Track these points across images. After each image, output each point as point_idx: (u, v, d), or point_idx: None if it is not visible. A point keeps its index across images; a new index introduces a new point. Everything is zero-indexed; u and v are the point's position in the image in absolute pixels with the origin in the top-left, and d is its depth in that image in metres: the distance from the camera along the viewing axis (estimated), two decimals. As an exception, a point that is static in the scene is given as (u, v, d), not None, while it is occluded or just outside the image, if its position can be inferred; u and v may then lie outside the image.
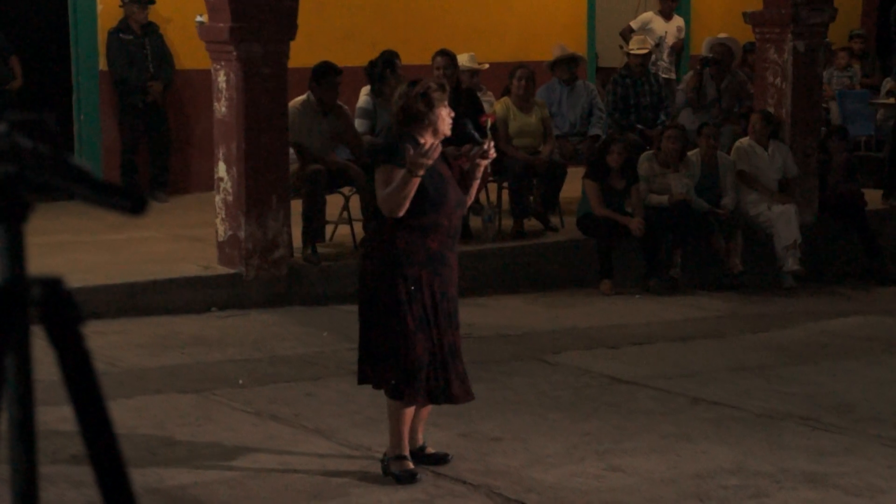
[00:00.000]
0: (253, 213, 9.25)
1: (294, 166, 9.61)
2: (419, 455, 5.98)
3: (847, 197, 11.45)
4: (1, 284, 1.62)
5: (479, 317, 9.08)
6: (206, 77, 9.78)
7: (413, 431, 5.99)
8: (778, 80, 11.39)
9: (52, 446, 5.68)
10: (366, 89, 10.72)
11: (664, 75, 13.25)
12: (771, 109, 11.32)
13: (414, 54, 11.78)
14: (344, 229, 10.15)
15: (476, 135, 5.94)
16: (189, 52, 11.81)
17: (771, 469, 6.03)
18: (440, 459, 5.99)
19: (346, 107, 10.14)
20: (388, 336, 5.72)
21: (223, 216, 9.41)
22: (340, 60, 10.26)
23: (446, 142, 6.10)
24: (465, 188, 5.94)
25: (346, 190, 10.02)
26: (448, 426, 6.62)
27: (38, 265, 1.65)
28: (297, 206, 9.59)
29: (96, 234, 10.25)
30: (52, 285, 1.64)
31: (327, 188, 9.75)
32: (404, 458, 5.84)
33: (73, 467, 5.56)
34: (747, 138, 11.24)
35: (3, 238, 1.62)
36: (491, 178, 10.83)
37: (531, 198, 11.01)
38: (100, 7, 12.02)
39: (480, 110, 10.93)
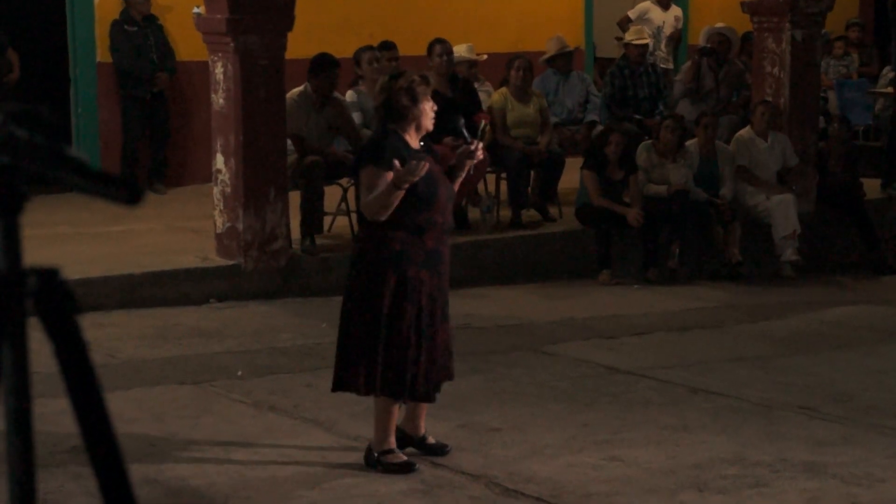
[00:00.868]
0: (251, 204, 9.25)
1: (292, 158, 9.61)
2: (420, 445, 5.98)
3: (845, 187, 11.45)
4: (-3, 275, 1.62)
5: (477, 308, 9.08)
6: (204, 69, 9.77)
7: (415, 420, 5.98)
8: (776, 70, 11.39)
9: (51, 438, 5.68)
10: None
11: (662, 65, 13.23)
12: (769, 99, 11.31)
13: (412, 45, 11.76)
14: (342, 221, 10.14)
15: (466, 133, 5.88)
16: (187, 44, 11.79)
17: (769, 459, 6.03)
18: (440, 450, 5.99)
19: (343, 98, 10.13)
20: (379, 336, 5.63)
21: (221, 208, 9.41)
22: (338, 52, 10.25)
23: (437, 132, 6.05)
24: (452, 181, 5.89)
25: (344, 181, 10.01)
26: (447, 417, 6.62)
27: (36, 257, 1.65)
28: (295, 197, 9.58)
29: (95, 226, 10.24)
30: (49, 276, 1.64)
31: (325, 179, 9.74)
32: (393, 451, 5.82)
33: (71, 459, 5.56)
34: (747, 129, 11.24)
35: (-1, 229, 1.62)
36: (489, 169, 10.84)
37: (529, 188, 11.02)
38: (97, -1, 12.01)
39: (477, 101, 10.93)
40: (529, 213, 10.77)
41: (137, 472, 5.53)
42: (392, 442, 5.84)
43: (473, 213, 10.72)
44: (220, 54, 9.32)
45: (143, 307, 8.79)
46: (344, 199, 10.12)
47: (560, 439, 6.14)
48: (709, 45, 12.46)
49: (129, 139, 11.94)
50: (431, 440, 6.02)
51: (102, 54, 11.99)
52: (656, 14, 13.68)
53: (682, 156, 10.71)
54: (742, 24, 12.87)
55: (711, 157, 10.92)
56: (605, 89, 12.17)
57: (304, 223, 9.64)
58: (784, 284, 10.60)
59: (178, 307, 8.87)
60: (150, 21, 11.91)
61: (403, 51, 11.10)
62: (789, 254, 10.81)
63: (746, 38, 12.99)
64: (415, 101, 5.68)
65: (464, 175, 5.95)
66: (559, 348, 8.13)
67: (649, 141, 10.87)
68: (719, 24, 13.12)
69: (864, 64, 14.81)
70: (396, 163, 5.54)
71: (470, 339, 8.09)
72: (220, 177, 9.38)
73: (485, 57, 11.93)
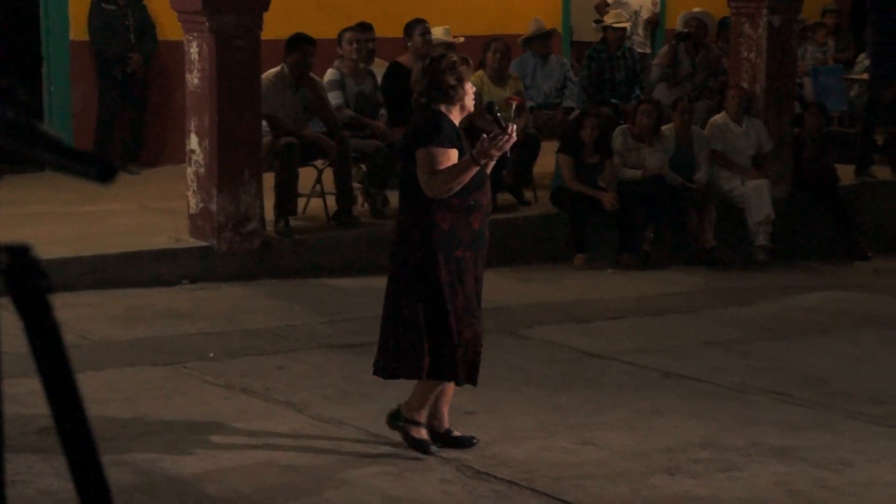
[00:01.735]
0: (225, 185, 9.21)
1: (267, 139, 9.56)
2: (446, 439, 5.87)
3: (820, 172, 11.49)
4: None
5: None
6: (182, 49, 9.71)
7: (439, 414, 5.90)
8: (752, 55, 11.40)
9: (21, 419, 5.64)
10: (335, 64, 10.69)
11: (639, 49, 13.24)
12: (745, 84, 11.33)
13: (389, 27, 11.72)
14: (317, 202, 10.11)
15: (500, 117, 5.85)
16: (171, 23, 11.70)
17: (741, 443, 6.06)
18: (467, 442, 5.91)
19: (319, 79, 10.09)
20: (430, 320, 5.60)
21: (195, 189, 9.36)
22: (314, 32, 10.19)
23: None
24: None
25: (319, 163, 9.98)
26: (420, 400, 6.62)
27: (8, 236, 1.63)
28: (269, 178, 9.54)
29: (67, 205, 10.18)
30: (20, 253, 1.61)
31: (300, 161, 9.71)
32: (420, 425, 5.80)
33: (41, 440, 5.53)
34: (722, 114, 11.25)
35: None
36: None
37: (504, 172, 11.01)
38: (70, -23, 11.91)
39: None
40: (505, 197, 10.76)
41: (108, 453, 5.49)
42: (423, 416, 5.81)
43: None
44: (195, 34, 9.27)
45: (116, 288, 8.75)
46: (319, 180, 10.09)
47: (533, 423, 6.15)
48: (686, 30, 12.47)
49: (102, 119, 11.86)
50: (457, 433, 5.93)
51: (76, 33, 11.90)
52: (634, -2, 13.67)
53: (657, 140, 10.72)
54: (719, 9, 12.88)
55: (687, 141, 10.93)
56: (583, 72, 12.15)
57: (278, 205, 9.60)
58: (758, 269, 10.63)
59: (150, 288, 8.83)
60: (133, 1, 11.82)
61: (380, 32, 11.05)
62: (763, 239, 10.84)
63: (723, 23, 13.00)
64: (460, 81, 5.69)
65: (494, 160, 5.85)
66: (533, 332, 8.14)
67: (625, 125, 10.88)
68: (696, 9, 13.13)
69: (839, 50, 14.85)
70: (484, 136, 5.57)
71: (444, 321, 8.08)
72: (194, 157, 9.33)
73: (461, 39, 11.89)
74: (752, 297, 9.55)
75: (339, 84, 10.37)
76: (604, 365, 7.41)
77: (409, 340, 5.69)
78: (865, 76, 13.20)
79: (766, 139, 11.20)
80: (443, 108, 5.72)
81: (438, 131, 5.64)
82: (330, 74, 10.45)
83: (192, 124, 9.33)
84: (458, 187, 5.59)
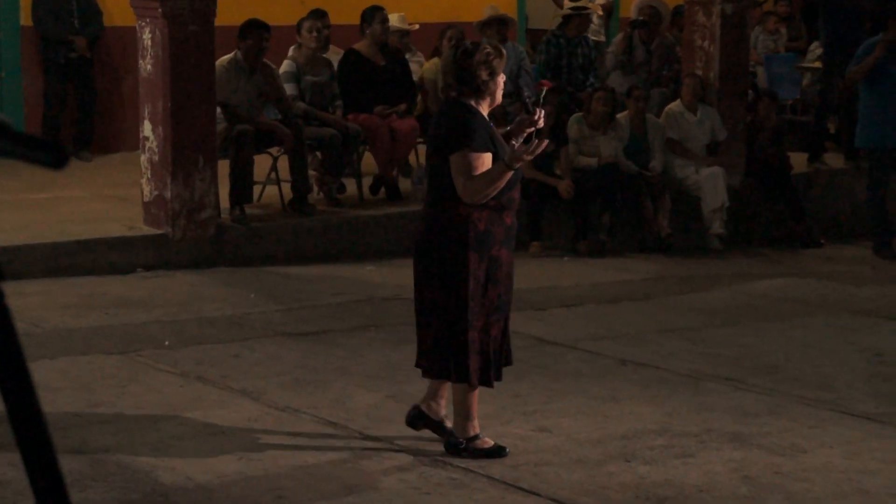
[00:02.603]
0: (179, 173, 9.15)
1: (221, 126, 9.51)
2: (438, 428, 5.78)
3: (773, 161, 11.56)
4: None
5: (408, 278, 9.00)
6: (134, 34, 9.62)
7: (438, 401, 5.79)
8: (706, 44, 11.45)
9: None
10: (290, 52, 10.64)
11: (594, 38, 13.25)
12: (699, 72, 11.38)
13: (344, 14, 11.67)
14: (272, 190, 10.06)
15: (529, 103, 5.81)
16: (119, 8, 11.61)
17: (696, 429, 6.09)
18: (453, 440, 5.82)
19: (273, 65, 10.04)
20: (465, 324, 5.49)
21: (149, 176, 9.30)
22: (268, 19, 10.13)
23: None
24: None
25: (274, 150, 9.93)
26: (377, 388, 6.62)
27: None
28: (224, 166, 9.49)
29: (19, 193, 10.08)
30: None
31: (255, 148, 9.66)
32: (479, 436, 5.66)
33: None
34: (677, 102, 11.30)
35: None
36: (420, 140, 10.81)
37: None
38: (21, -39, 11.78)
39: (408, 71, 10.88)
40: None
41: (62, 442, 5.46)
42: (476, 427, 5.67)
43: (405, 184, 10.69)
44: (147, 19, 9.19)
45: (69, 276, 8.68)
46: (274, 168, 10.05)
47: (490, 410, 6.15)
48: (641, 18, 12.50)
49: (48, 104, 11.75)
50: (450, 424, 5.83)
51: (27, 18, 11.77)
52: (589, -15, 13.67)
53: (612, 128, 10.75)
54: (673, -3, 12.92)
55: (641, 129, 10.97)
56: (539, 57, 12.14)
57: (233, 192, 9.55)
58: (712, 257, 10.69)
59: (104, 276, 8.77)
60: None
61: (335, 20, 11.00)
62: (717, 227, 10.91)
63: (677, 11, 13.04)
64: (493, 75, 5.57)
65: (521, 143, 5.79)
66: (489, 319, 8.13)
67: (580, 113, 10.89)
68: (650, -3, 13.14)
69: (792, 39, 14.93)
70: (514, 142, 5.51)
71: (400, 309, 8.08)
72: (148, 144, 9.27)
73: (416, 27, 11.87)
74: (707, 284, 9.61)
75: (295, 76, 10.32)
76: (560, 352, 7.43)
77: (447, 343, 5.57)
78: (818, 64, 13.28)
79: (720, 127, 11.26)
80: (472, 101, 5.58)
81: (472, 134, 5.49)
82: (285, 66, 10.40)
83: (146, 111, 9.26)
84: (495, 192, 5.49)
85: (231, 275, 9.09)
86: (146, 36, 9.19)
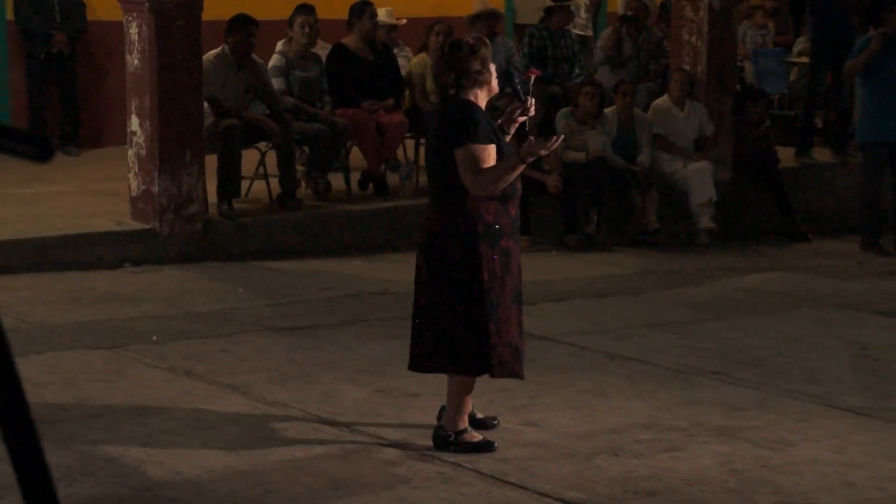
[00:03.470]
0: (167, 167, 9.13)
1: (209, 121, 9.49)
2: (470, 420, 5.78)
3: (760, 155, 11.58)
4: None
5: (396, 273, 9.05)
6: (119, 29, 9.60)
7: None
8: (693, 38, 11.46)
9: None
10: (278, 46, 10.62)
11: (581, 32, 13.25)
12: (686, 67, 11.39)
13: (332, 9, 11.66)
14: (260, 185, 10.06)
15: (520, 90, 5.85)
16: (103, 3, 11.58)
17: (684, 423, 6.10)
18: (489, 423, 5.88)
19: (261, 61, 10.02)
20: (469, 314, 5.50)
21: (136, 171, 9.28)
22: (256, 13, 10.11)
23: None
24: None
25: (261, 145, 9.92)
26: (365, 383, 6.62)
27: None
28: (211, 161, 9.48)
29: (6, 187, 10.05)
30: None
31: (243, 143, 9.64)
32: (468, 430, 5.68)
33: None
34: (664, 97, 11.31)
35: None
36: (408, 135, 10.81)
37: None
38: (7, -45, 11.75)
39: (396, 66, 10.87)
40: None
41: (49, 436, 5.45)
42: (466, 421, 5.69)
43: (393, 179, 10.69)
44: (134, 14, 9.17)
45: (56, 270, 8.66)
46: (262, 163, 10.03)
47: (478, 404, 6.15)
48: (630, 13, 12.50)
49: (31, 99, 11.71)
50: (480, 415, 5.88)
51: (12, 12, 11.74)
52: (576, -20, 13.66)
53: (600, 123, 10.76)
54: (661, -8, 12.92)
55: (629, 124, 10.98)
56: (524, 49, 12.14)
57: (220, 187, 9.54)
58: (700, 251, 10.71)
59: (91, 271, 8.75)
60: None
61: (322, 14, 10.98)
62: (705, 221, 10.93)
63: (665, 5, 13.05)
64: (485, 63, 5.63)
65: (511, 135, 5.84)
66: (477, 314, 8.13)
67: (568, 108, 10.90)
68: (638, -9, 13.14)
69: (779, 33, 14.96)
70: (532, 138, 5.55)
71: (388, 304, 8.08)
72: (135, 139, 9.25)
73: (404, 21, 11.86)
74: (695, 278, 9.62)
75: (283, 70, 10.30)
76: (548, 346, 7.43)
77: (451, 335, 5.57)
78: (805, 59, 13.30)
79: (707, 122, 11.28)
80: (471, 95, 5.62)
81: (476, 127, 5.52)
82: (274, 60, 10.38)
83: (133, 106, 9.25)
84: (504, 185, 5.54)
85: (219, 270, 9.08)
86: (133, 30, 9.17)
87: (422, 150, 10.94)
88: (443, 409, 5.80)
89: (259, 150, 9.94)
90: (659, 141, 11.09)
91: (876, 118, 10.79)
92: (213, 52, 9.67)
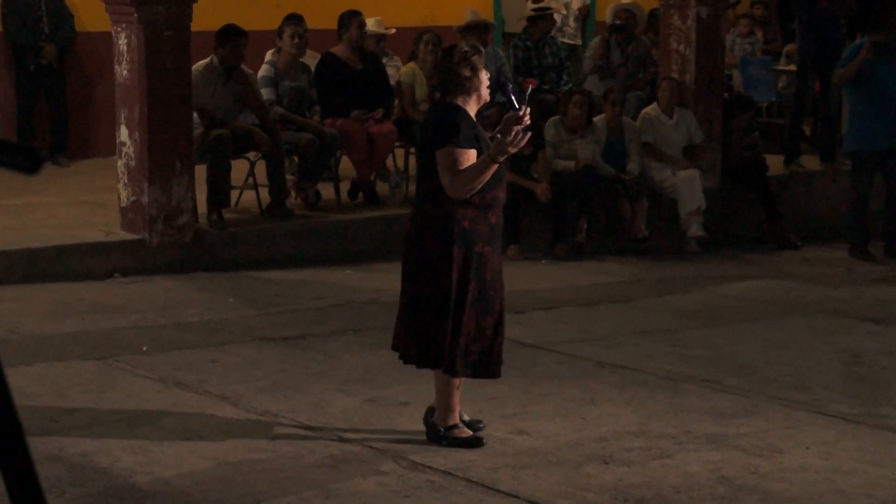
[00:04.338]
0: (156, 178, 9.14)
1: (198, 131, 9.50)
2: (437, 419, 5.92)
3: (749, 163, 11.61)
4: None
5: (386, 282, 9.05)
6: (108, 40, 9.61)
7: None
8: (681, 47, 11.49)
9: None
10: (267, 56, 10.63)
11: (570, 41, 13.29)
12: (675, 76, 11.42)
13: (320, 18, 11.67)
14: (249, 195, 10.06)
15: (515, 100, 5.87)
16: (91, 14, 11.58)
17: (673, 431, 6.11)
18: (474, 426, 5.96)
19: (250, 71, 10.03)
20: (445, 314, 5.64)
21: (126, 181, 9.28)
22: (245, 24, 10.13)
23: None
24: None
25: (251, 155, 9.92)
26: (356, 392, 6.62)
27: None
28: (201, 171, 9.48)
29: (-5, 199, 10.05)
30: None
31: (232, 153, 9.65)
32: (458, 426, 5.83)
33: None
34: (653, 106, 11.34)
35: None
36: (398, 144, 10.82)
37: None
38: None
39: (385, 76, 10.88)
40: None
41: (39, 448, 5.45)
42: (457, 417, 5.84)
43: (382, 188, 10.70)
44: (123, 25, 9.18)
45: (46, 281, 8.66)
46: (251, 173, 10.04)
47: (468, 413, 6.16)
48: (618, 22, 12.54)
49: (21, 111, 11.71)
50: (465, 416, 5.98)
51: (1, 24, 11.74)
52: (565, -10, 13.71)
53: (589, 131, 10.78)
54: (648, 0, 12.96)
55: (618, 132, 11.01)
56: (510, 60, 12.17)
57: (210, 197, 9.54)
58: (689, 259, 10.73)
59: (81, 282, 8.75)
60: None
61: (311, 24, 10.99)
62: (695, 229, 10.95)
63: (653, 14, 13.09)
64: (475, 71, 5.70)
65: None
66: (467, 323, 8.13)
67: (557, 117, 10.92)
68: (626, 1, 13.20)
69: (768, 41, 15.00)
70: (499, 135, 5.58)
71: (378, 313, 8.08)
72: (125, 149, 9.25)
73: (393, 31, 11.88)
74: (684, 286, 9.64)
75: (272, 80, 10.32)
76: (538, 355, 7.45)
77: (418, 329, 5.75)
78: (793, 67, 13.34)
79: (696, 131, 11.31)
80: (459, 100, 5.72)
81: (457, 131, 5.62)
82: (263, 70, 10.40)
83: (122, 116, 9.25)
84: (480, 186, 5.61)
85: (209, 280, 9.08)
86: (122, 41, 9.17)
87: (411, 159, 10.96)
88: (429, 410, 5.90)
89: (248, 160, 9.95)
90: (648, 149, 11.12)
91: (865, 127, 10.80)
92: (202, 63, 9.68)
